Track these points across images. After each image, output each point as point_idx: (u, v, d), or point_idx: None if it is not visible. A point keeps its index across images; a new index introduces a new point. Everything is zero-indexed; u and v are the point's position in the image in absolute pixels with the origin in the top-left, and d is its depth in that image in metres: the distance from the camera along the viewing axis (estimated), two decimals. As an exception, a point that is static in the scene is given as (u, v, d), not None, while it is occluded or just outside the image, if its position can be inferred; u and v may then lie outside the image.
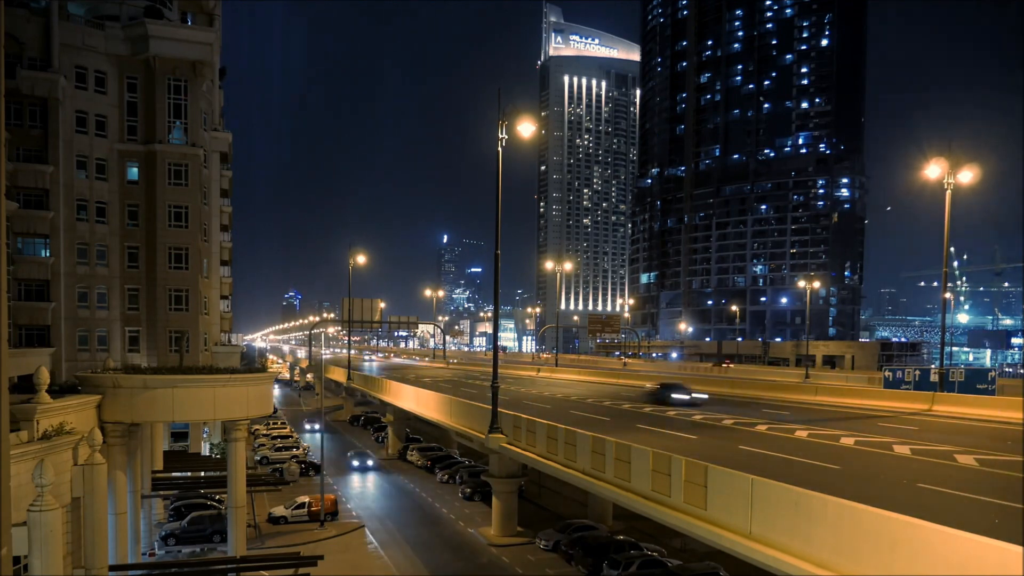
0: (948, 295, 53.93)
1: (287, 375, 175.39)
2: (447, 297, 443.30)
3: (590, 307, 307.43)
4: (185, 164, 48.71)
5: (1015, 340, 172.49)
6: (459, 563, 36.80)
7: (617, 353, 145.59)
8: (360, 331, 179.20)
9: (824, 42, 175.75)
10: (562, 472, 27.86)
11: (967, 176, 39.22)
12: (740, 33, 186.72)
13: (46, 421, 21.66)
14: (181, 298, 48.77)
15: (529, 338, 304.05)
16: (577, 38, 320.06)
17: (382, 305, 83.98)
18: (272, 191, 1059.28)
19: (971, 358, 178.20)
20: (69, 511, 21.34)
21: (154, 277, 47.99)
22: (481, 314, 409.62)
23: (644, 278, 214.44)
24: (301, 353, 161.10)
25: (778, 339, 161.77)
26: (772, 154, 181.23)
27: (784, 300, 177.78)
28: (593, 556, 34.29)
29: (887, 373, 51.90)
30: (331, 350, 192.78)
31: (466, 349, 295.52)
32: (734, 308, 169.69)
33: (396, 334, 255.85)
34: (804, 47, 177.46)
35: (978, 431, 31.80)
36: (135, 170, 48.06)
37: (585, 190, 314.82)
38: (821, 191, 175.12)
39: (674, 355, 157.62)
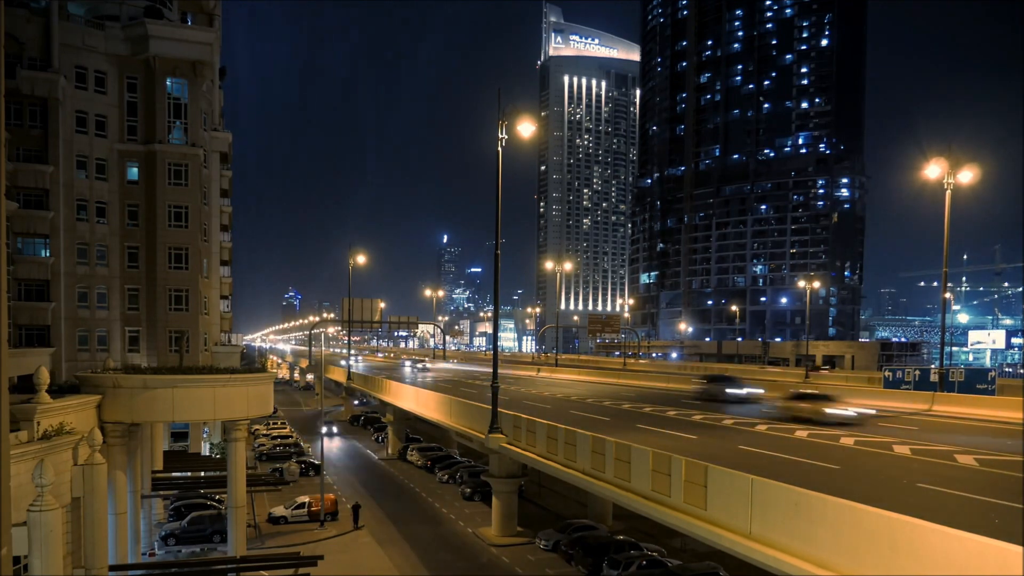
0: (948, 295, 53.86)
1: (287, 375, 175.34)
2: (447, 297, 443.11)
3: (590, 307, 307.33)
4: (185, 164, 48.72)
5: (1015, 340, 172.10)
6: (459, 563, 36.81)
7: (617, 353, 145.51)
8: (360, 331, 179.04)
9: (824, 42, 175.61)
10: (562, 472, 27.87)
11: (967, 176, 39.29)
12: (740, 33, 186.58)
13: (46, 421, 21.67)
14: (181, 298, 48.77)
15: (529, 338, 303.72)
16: (577, 38, 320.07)
17: (382, 305, 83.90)
18: (272, 191, 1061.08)
19: (971, 358, 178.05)
20: (69, 511, 21.34)
21: (154, 277, 48.01)
22: (481, 314, 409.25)
23: (644, 278, 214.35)
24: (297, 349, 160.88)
25: (778, 339, 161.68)
26: (772, 154, 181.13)
27: (784, 300, 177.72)
28: (593, 556, 34.31)
29: (887, 373, 51.80)
30: (331, 350, 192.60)
31: (465, 349, 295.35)
32: (734, 308, 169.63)
33: (396, 334, 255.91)
34: (804, 47, 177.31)
35: (978, 431, 31.84)
36: (135, 170, 48.07)
37: (585, 190, 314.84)
38: (821, 191, 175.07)
39: (674, 355, 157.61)
